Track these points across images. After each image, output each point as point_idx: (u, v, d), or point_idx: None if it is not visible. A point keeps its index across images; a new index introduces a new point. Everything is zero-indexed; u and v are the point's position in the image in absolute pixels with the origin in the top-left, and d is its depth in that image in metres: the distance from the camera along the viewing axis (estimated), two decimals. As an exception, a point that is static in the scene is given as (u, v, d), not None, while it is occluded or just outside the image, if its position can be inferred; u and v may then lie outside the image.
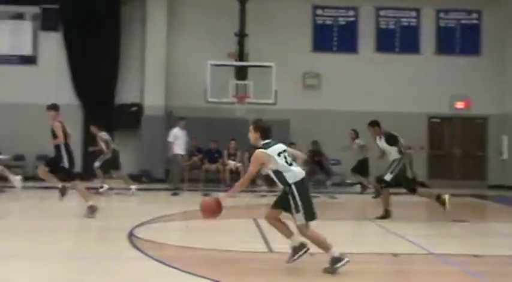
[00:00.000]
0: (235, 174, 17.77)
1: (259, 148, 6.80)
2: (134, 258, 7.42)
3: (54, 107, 11.31)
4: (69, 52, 19.42)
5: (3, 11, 19.47)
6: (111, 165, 15.72)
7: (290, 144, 18.01)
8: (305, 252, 6.91)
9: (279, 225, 7.00)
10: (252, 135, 6.96)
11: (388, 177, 11.14)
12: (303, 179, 6.77)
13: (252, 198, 15.16)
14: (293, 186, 6.70)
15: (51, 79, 19.30)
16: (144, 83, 19.50)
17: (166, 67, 19.51)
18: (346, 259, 6.66)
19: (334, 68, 19.89)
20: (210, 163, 18.07)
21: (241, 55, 18.43)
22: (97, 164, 15.79)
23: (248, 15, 18.64)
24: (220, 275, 6.50)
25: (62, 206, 11.66)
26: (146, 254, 7.48)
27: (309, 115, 19.53)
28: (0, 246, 8.07)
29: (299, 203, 6.67)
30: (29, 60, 19.55)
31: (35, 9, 19.48)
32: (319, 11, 20.35)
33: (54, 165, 10.99)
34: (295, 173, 6.76)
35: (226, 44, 18.48)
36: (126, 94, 19.61)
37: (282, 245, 7.21)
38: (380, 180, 11.60)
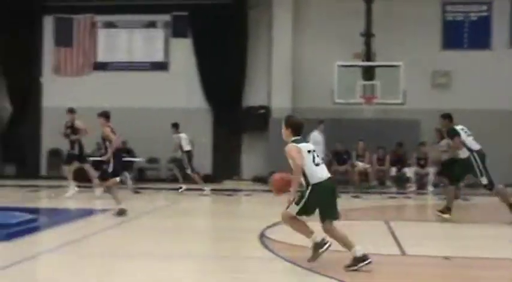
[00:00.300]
0: (364, 176, 17.52)
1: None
2: (266, 258, 7.48)
3: (102, 114, 11.55)
4: (198, 57, 20.02)
5: (137, 20, 20.42)
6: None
7: (420, 144, 17.59)
8: (327, 248, 6.75)
9: (295, 224, 6.86)
10: (284, 132, 6.91)
11: (485, 180, 10.58)
12: (324, 181, 6.71)
13: (382, 199, 14.88)
14: (310, 187, 6.70)
15: (181, 84, 20.00)
16: (271, 86, 19.70)
17: (292, 69, 19.60)
18: (369, 260, 6.52)
19: (465, 65, 19.10)
20: (339, 165, 17.93)
21: (368, 55, 18.18)
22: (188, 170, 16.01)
23: (374, 14, 18.36)
24: (352, 277, 6.40)
25: (191, 207, 11.99)
26: (277, 255, 7.52)
27: (439, 115, 18.78)
28: (137, 245, 8.42)
29: (304, 202, 6.67)
30: (161, 66, 20.37)
31: (166, 17, 20.26)
32: (448, 7, 19.64)
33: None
34: (318, 174, 6.71)
35: (352, 44, 18.30)
36: (253, 97, 19.92)
37: (417, 248, 7.00)
38: (486, 186, 10.85)
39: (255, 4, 19.86)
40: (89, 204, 13.21)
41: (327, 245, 6.76)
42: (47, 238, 9.18)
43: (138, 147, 18.82)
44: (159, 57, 20.40)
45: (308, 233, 6.84)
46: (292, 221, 6.85)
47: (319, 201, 6.71)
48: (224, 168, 19.69)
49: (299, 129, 6.89)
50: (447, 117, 11.35)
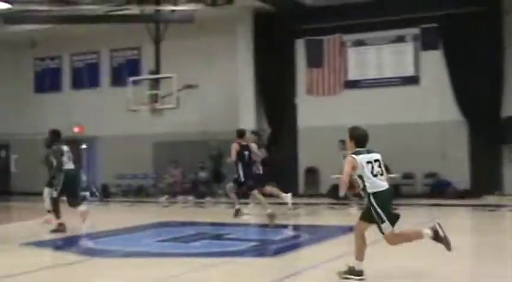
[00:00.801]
0: None
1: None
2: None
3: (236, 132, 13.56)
4: (450, 68, 19.34)
5: (385, 36, 20.39)
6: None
7: None
8: (360, 279, 6.85)
9: (361, 242, 7.00)
10: (348, 143, 7.25)
11: None
12: (383, 191, 6.93)
13: None
14: (371, 197, 6.90)
15: (433, 97, 19.46)
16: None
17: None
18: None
19: None
20: None
21: None
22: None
23: None
24: None
25: (462, 223, 11.47)
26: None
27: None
28: (411, 263, 8.28)
29: (380, 212, 6.86)
30: (411, 80, 20.06)
31: (415, 31, 19.93)
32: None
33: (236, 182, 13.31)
34: (376, 183, 6.94)
35: None
36: (512, 106, 18.69)
37: None
38: None
39: (511, 9, 18.66)
40: (346, 222, 13.38)
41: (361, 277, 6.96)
42: (309, 254, 9.47)
43: (393, 163, 18.66)
44: (409, 71, 20.12)
45: (361, 255, 7.04)
46: (361, 238, 7.04)
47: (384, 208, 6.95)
48: (483, 183, 18.65)
49: (361, 141, 7.17)
50: None
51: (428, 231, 7.07)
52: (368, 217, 7.02)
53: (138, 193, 22.41)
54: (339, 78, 20.95)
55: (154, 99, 20.37)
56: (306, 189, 20.86)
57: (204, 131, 21.55)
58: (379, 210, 6.89)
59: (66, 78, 25.16)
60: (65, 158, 12.20)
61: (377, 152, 7.24)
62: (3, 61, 25.37)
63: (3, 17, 20.88)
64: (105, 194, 22.54)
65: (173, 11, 20.14)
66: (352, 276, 6.89)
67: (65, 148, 12.38)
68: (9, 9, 20.31)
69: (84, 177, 26.37)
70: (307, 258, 9.11)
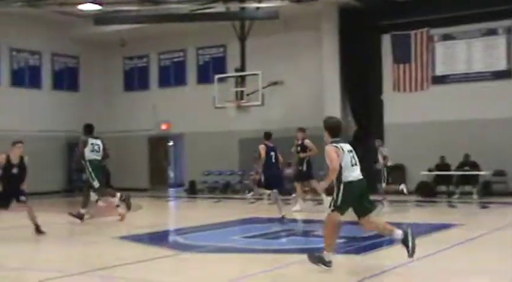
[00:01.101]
0: None
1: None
2: None
3: (301, 129, 14.88)
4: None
5: (475, 29, 19.79)
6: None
7: None
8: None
9: (378, 225, 7.61)
10: (324, 134, 7.54)
11: None
12: (356, 182, 7.30)
13: None
14: (342, 185, 7.24)
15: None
16: None
17: None
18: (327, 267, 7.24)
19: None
20: None
21: None
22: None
23: None
24: None
25: None
26: None
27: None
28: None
29: (340, 199, 7.25)
30: (503, 74, 19.37)
31: (507, 23, 19.25)
32: None
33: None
34: (352, 174, 7.28)
35: None
36: None
37: None
38: None
39: None
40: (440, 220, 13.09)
41: None
42: (395, 252, 9.32)
43: (483, 160, 18.15)
44: (501, 65, 19.44)
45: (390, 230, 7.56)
46: (373, 224, 7.59)
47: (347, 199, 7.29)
48: None
49: (335, 131, 7.52)
50: None
51: (399, 232, 7.40)
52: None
53: (224, 189, 22.72)
54: (426, 74, 20.49)
55: (239, 96, 20.59)
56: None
57: (288, 128, 21.59)
58: (340, 198, 7.26)
59: (154, 76, 25.80)
60: (86, 149, 12.92)
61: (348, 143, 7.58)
62: (95, 61, 26.31)
63: (93, 18, 21.65)
64: (192, 191, 22.97)
65: (258, 8, 20.27)
66: (321, 263, 7.31)
67: (93, 140, 13.04)
68: (99, 10, 21.04)
69: (171, 174, 27.06)
70: (394, 257, 8.97)
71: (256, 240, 10.45)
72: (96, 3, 20.00)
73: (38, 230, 11.15)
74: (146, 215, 15.72)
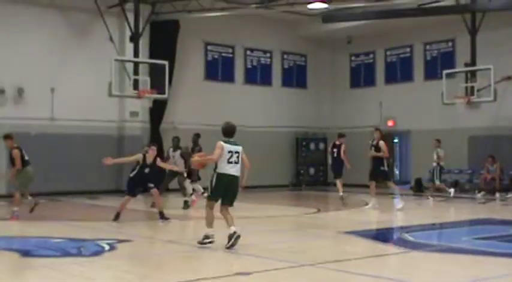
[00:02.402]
0: None
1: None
2: None
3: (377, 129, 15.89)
4: None
5: None
6: None
7: None
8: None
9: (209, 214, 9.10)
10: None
11: None
12: (226, 175, 8.82)
13: None
14: (215, 174, 8.87)
15: None
16: None
17: None
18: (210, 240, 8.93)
19: None
20: None
21: None
22: None
23: None
24: None
25: None
26: None
27: None
28: None
29: (213, 186, 8.90)
30: None
31: None
32: None
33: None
34: (226, 168, 8.82)
35: None
36: None
37: None
38: None
39: None
40: None
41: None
42: None
43: None
44: None
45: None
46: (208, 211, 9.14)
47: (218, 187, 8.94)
48: None
49: (225, 132, 9.08)
50: None
51: (233, 229, 8.74)
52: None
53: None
54: None
55: (469, 92, 19.66)
56: None
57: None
58: (213, 185, 8.87)
59: (380, 72, 25.60)
60: None
61: (240, 146, 9.02)
62: (322, 58, 26.81)
63: (321, 16, 22.06)
64: (418, 188, 22.41)
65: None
66: (206, 241, 8.89)
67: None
68: (326, 8, 21.39)
69: (396, 171, 26.66)
70: None
71: (488, 242, 9.87)
72: (324, 2, 20.36)
73: (162, 216, 12.20)
74: (370, 212, 15.67)
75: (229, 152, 8.81)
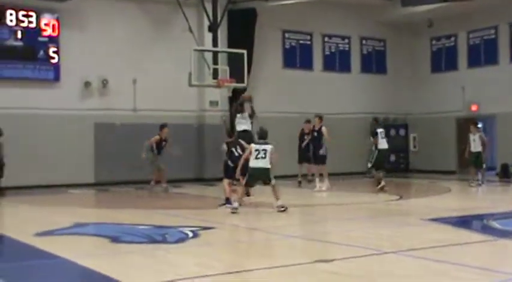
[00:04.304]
0: None
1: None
2: None
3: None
4: None
5: None
6: None
7: None
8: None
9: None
10: None
11: None
12: (256, 168, 11.66)
13: None
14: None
15: None
16: None
17: None
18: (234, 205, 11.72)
19: None
20: None
21: None
22: None
23: None
24: None
25: None
26: None
27: None
28: None
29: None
30: None
31: None
32: None
33: None
34: (253, 162, 11.68)
35: None
36: None
37: None
38: None
39: None
40: None
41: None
42: None
43: None
44: None
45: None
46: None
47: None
48: None
49: (260, 135, 12.08)
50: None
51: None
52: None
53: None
54: None
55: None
56: None
57: None
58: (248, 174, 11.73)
59: (463, 56, 24.86)
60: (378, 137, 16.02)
61: (269, 144, 11.74)
62: (402, 43, 26.31)
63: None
64: (505, 174, 21.71)
65: None
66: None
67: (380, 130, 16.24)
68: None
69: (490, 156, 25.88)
70: None
71: None
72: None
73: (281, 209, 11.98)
74: (455, 198, 15.31)
75: (256, 150, 11.65)
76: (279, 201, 11.67)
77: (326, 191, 16.44)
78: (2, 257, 8.28)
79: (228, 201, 12.37)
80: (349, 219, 11.28)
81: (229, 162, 12.55)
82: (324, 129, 16.66)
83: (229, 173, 12.61)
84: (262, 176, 11.78)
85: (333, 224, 10.83)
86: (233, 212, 11.56)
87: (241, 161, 11.99)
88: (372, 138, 16.49)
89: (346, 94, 24.88)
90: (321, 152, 16.65)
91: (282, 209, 11.57)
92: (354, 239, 8.64)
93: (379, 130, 16.24)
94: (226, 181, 12.71)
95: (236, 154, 12.46)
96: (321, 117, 16.94)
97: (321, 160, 16.71)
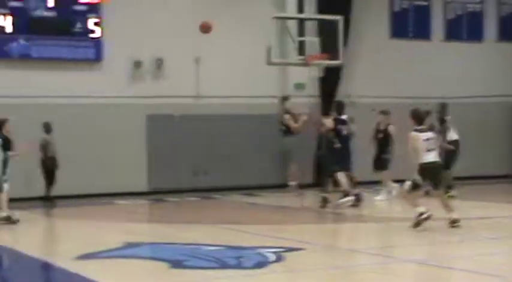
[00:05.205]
0: None
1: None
2: None
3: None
4: None
5: None
6: None
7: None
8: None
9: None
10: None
11: None
12: (428, 163, 11.36)
13: None
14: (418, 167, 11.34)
15: None
16: None
17: None
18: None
19: None
20: None
21: None
22: None
23: None
24: None
25: None
26: None
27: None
28: None
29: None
30: None
31: None
32: None
33: None
34: (427, 156, 11.33)
35: None
36: None
37: None
38: None
39: None
40: None
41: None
42: None
43: None
44: None
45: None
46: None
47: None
48: None
49: (420, 119, 11.71)
50: None
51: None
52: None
53: None
54: None
55: None
56: None
57: None
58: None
59: None
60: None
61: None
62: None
63: None
64: None
65: None
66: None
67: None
68: None
69: None
70: None
71: None
72: None
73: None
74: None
75: (426, 139, 11.44)
76: (452, 213, 11.81)
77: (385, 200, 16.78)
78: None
79: (347, 195, 13.97)
80: (489, 239, 11.12)
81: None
82: (391, 128, 16.90)
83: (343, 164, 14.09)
84: (436, 175, 11.60)
85: (466, 245, 10.70)
86: (353, 205, 13.98)
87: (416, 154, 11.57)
88: None
89: (477, 71, 24.36)
90: (385, 156, 17.05)
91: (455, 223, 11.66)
92: (492, 266, 8.52)
93: None
94: (341, 174, 14.15)
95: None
96: (387, 113, 17.29)
97: (382, 165, 17.05)
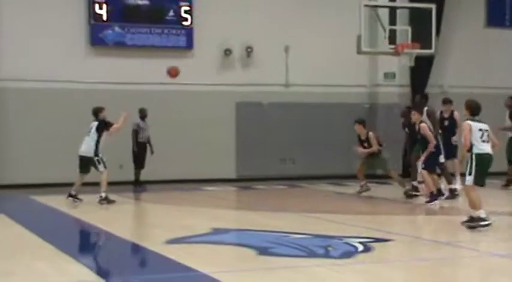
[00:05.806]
0: None
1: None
2: None
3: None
4: None
5: None
6: None
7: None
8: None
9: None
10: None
11: None
12: (484, 154, 10.78)
13: None
14: (473, 155, 10.75)
15: None
16: None
17: None
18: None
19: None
20: None
21: None
22: None
23: None
24: None
25: None
26: None
27: None
28: None
29: (473, 167, 10.70)
30: None
31: None
32: None
33: None
34: (482, 147, 10.81)
35: None
36: None
37: None
38: None
39: None
40: None
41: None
42: None
43: None
44: None
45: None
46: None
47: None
48: None
49: (475, 110, 11.06)
50: None
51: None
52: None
53: None
54: None
55: None
56: None
57: None
58: (473, 166, 10.66)
59: None
60: None
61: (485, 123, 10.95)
62: None
63: None
64: None
65: None
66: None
67: None
68: None
69: None
70: None
71: None
72: None
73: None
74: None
75: (480, 130, 10.91)
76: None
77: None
78: (129, 268, 8.72)
79: (434, 196, 13.66)
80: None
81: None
82: (456, 114, 16.49)
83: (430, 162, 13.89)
84: (488, 167, 11.03)
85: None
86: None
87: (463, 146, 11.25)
88: None
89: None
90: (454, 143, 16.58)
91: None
92: None
93: None
94: (425, 172, 13.84)
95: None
96: (447, 102, 17.02)
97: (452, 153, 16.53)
